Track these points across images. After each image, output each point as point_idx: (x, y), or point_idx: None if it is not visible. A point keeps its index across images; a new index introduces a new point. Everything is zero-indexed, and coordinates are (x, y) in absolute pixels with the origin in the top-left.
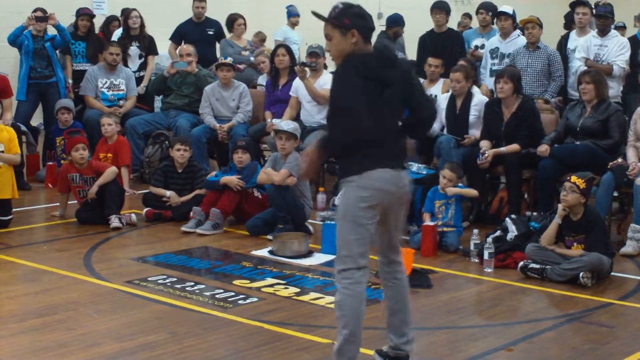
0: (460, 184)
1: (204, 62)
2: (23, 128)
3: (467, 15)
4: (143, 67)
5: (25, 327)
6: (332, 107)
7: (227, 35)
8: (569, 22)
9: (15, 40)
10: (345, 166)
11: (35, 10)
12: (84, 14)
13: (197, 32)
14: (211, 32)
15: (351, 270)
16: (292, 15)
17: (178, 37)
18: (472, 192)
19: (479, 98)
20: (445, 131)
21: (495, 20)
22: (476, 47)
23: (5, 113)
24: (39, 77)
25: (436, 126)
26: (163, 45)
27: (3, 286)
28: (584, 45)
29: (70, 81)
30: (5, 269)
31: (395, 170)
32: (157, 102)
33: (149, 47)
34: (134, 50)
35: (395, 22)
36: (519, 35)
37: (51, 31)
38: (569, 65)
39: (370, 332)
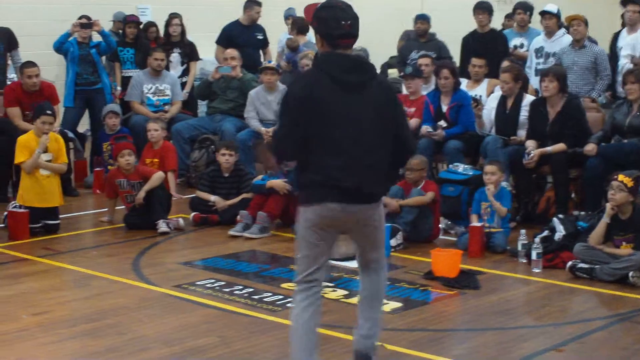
0: (504, 186)
1: (252, 66)
2: (70, 134)
3: (509, 17)
4: (185, 73)
5: (75, 332)
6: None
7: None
8: None
9: (60, 47)
10: (300, 192)
11: (80, 18)
12: (131, 21)
13: (245, 36)
14: (260, 37)
15: (301, 283)
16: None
17: (225, 40)
18: (501, 209)
19: (529, 98)
20: (493, 131)
21: (540, 20)
22: (515, 46)
23: None
24: (85, 83)
25: (487, 126)
26: (207, 50)
27: (53, 292)
28: (631, 43)
29: (119, 88)
30: (55, 274)
31: (345, 205)
32: (201, 107)
33: (190, 53)
34: (175, 56)
35: (418, 18)
36: (564, 34)
37: (96, 38)
38: (617, 63)
39: (418, 334)
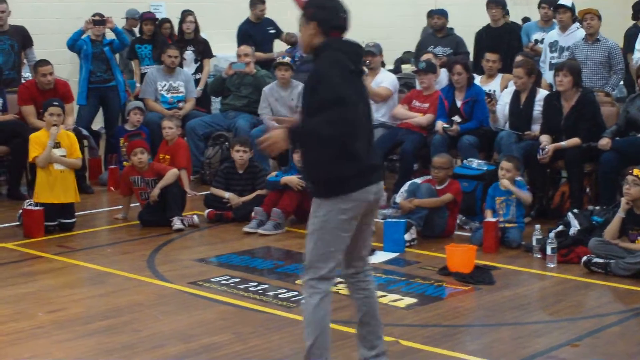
0: (519, 180)
1: (270, 61)
2: (84, 132)
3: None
4: (199, 70)
5: (91, 329)
6: (321, 99)
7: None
8: (638, 12)
9: (74, 44)
10: (327, 183)
11: (93, 15)
12: (148, 18)
13: (259, 33)
14: (272, 31)
15: (322, 280)
16: None
17: (247, 38)
18: (526, 197)
19: (543, 93)
20: (507, 126)
21: (554, 14)
22: (536, 41)
23: (67, 118)
24: (98, 81)
25: (501, 121)
26: (221, 47)
27: (68, 289)
28: None
29: (138, 85)
30: (70, 272)
31: (376, 185)
32: (215, 104)
33: (203, 50)
34: (189, 54)
35: (435, 13)
36: (578, 28)
37: (109, 36)
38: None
39: (433, 329)
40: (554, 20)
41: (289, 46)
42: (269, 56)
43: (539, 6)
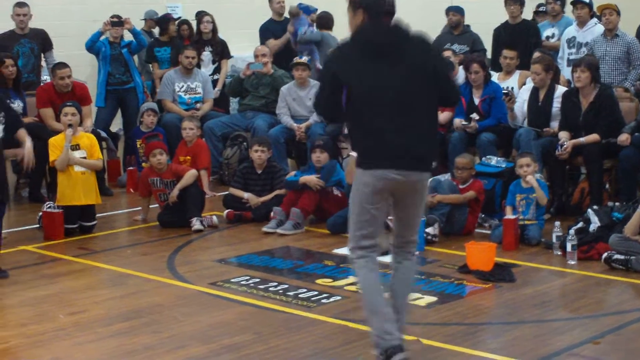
0: (539, 179)
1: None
2: (103, 134)
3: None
4: (216, 71)
5: (112, 331)
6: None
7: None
8: None
9: (92, 46)
10: (358, 155)
11: (111, 17)
12: (171, 19)
13: (281, 29)
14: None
15: (357, 249)
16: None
17: (269, 35)
18: (543, 197)
19: (561, 89)
20: (525, 123)
21: (572, 9)
22: (547, 37)
23: (85, 120)
24: (117, 83)
25: (519, 118)
26: (238, 47)
27: (89, 291)
28: None
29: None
30: (90, 274)
31: (400, 171)
32: (233, 104)
33: (221, 51)
34: (206, 55)
35: (451, 9)
36: (596, 23)
37: (127, 37)
38: None
39: (454, 328)
40: (563, 14)
41: (292, 17)
42: (283, 41)
43: (546, 3)
